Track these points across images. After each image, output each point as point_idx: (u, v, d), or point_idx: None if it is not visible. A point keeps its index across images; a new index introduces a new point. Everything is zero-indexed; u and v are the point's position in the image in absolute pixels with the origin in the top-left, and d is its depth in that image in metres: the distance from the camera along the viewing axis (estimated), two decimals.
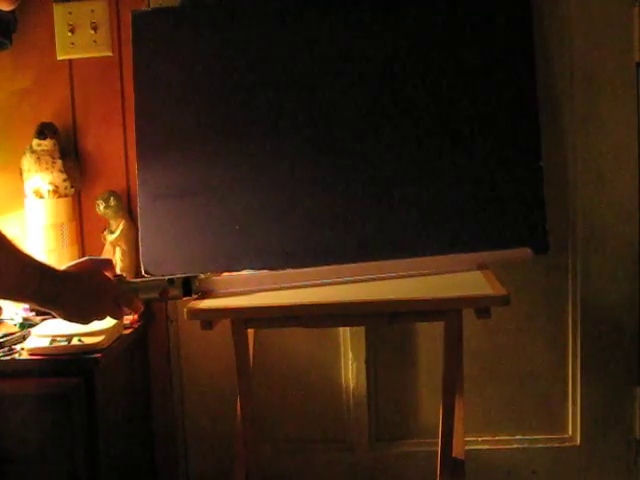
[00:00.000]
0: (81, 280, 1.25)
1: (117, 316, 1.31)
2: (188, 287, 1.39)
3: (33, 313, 1.74)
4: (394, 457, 1.98)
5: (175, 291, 1.38)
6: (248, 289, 1.51)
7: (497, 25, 1.72)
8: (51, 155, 1.84)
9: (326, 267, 1.55)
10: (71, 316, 1.24)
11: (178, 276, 1.37)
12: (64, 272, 1.25)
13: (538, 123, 1.71)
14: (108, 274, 1.31)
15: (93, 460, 1.56)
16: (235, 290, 1.50)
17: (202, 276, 1.46)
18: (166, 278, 1.36)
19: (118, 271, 1.73)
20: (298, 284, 1.52)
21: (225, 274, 1.65)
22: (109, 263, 1.35)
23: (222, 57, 1.77)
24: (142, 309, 1.33)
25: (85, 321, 1.28)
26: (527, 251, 1.62)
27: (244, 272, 1.67)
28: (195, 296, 1.43)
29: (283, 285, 1.52)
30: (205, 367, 1.98)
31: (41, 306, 1.22)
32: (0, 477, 1.54)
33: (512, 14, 1.72)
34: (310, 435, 2.00)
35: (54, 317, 1.25)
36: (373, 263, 1.57)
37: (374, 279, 1.55)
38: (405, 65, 1.73)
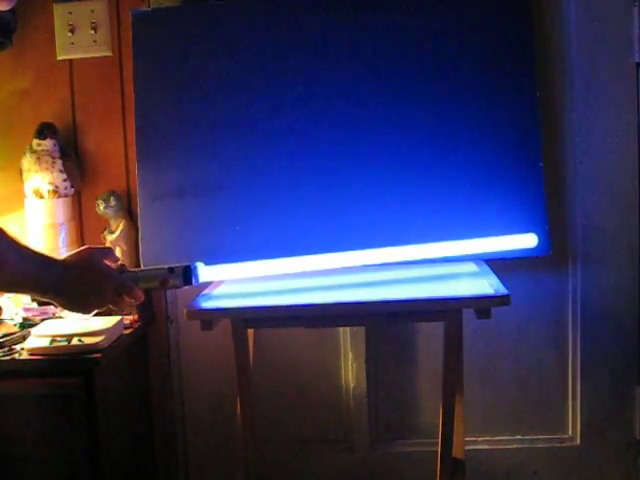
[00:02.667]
0: (81, 269, 1.24)
1: (118, 305, 1.30)
2: (188, 276, 1.38)
3: (35, 303, 1.74)
4: (394, 457, 1.98)
5: (175, 280, 1.37)
6: (269, 283, 1.51)
7: (497, 25, 1.72)
8: (51, 155, 1.84)
9: (326, 255, 1.55)
10: (72, 305, 1.24)
11: (178, 265, 1.37)
12: (64, 261, 1.25)
13: (538, 123, 1.71)
14: (109, 263, 1.31)
15: (93, 460, 1.56)
16: (256, 284, 1.50)
17: (202, 264, 1.45)
18: (166, 267, 1.36)
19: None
20: (297, 271, 1.52)
21: None
22: (110, 252, 1.34)
23: (222, 57, 1.77)
24: (143, 298, 1.32)
25: (86, 310, 1.27)
26: (532, 237, 1.62)
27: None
28: (195, 285, 1.42)
29: (283, 272, 1.52)
30: (205, 367, 1.98)
31: (42, 296, 1.22)
32: (0, 477, 1.54)
33: (512, 14, 1.72)
34: (310, 435, 2.00)
35: (55, 306, 1.25)
36: (374, 250, 1.57)
37: (384, 278, 1.56)
38: (405, 64, 1.73)
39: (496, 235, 1.63)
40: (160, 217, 1.76)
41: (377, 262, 1.56)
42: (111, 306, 1.28)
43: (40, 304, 1.38)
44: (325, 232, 1.70)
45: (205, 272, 1.43)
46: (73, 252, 1.29)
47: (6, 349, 1.59)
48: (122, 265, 1.36)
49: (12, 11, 1.78)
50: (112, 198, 1.86)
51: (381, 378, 1.98)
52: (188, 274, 1.37)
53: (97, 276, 1.25)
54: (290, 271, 1.54)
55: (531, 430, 1.96)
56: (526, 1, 1.73)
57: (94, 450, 1.56)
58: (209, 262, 1.48)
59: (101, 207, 1.86)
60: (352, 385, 1.97)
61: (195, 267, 1.38)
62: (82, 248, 1.31)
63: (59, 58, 1.91)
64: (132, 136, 1.82)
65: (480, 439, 1.96)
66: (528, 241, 1.63)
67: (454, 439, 1.52)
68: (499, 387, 1.95)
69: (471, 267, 1.66)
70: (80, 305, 1.25)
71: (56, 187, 1.85)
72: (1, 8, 1.30)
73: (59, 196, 1.86)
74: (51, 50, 1.91)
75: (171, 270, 1.35)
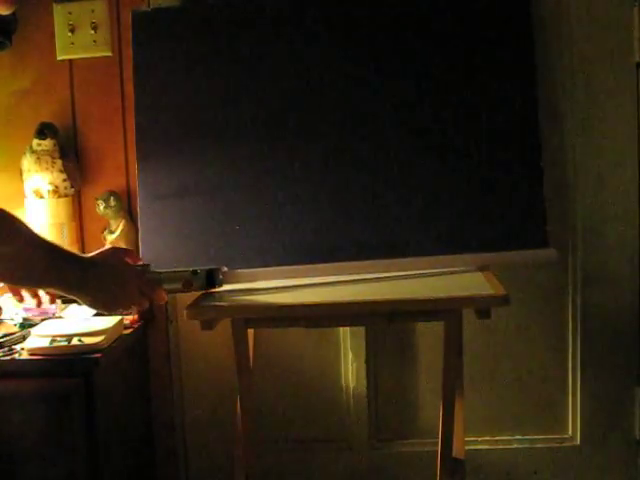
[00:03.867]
0: (107, 267, 1.26)
1: (141, 305, 1.32)
2: (212, 279, 1.40)
3: (60, 300, 1.75)
4: (394, 457, 1.99)
5: (198, 282, 1.39)
6: (269, 282, 1.53)
7: (497, 25, 1.72)
8: (51, 155, 1.84)
9: (343, 263, 1.56)
10: (96, 303, 1.26)
11: (202, 268, 1.38)
12: (90, 259, 1.27)
13: (538, 123, 1.70)
14: (131, 263, 1.34)
15: (93, 460, 1.56)
16: (256, 283, 1.52)
17: (225, 268, 1.46)
18: (190, 269, 1.37)
19: None
20: (320, 280, 1.54)
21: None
22: (132, 252, 1.38)
23: (222, 57, 1.77)
24: (165, 299, 1.34)
25: (110, 308, 1.29)
26: (552, 252, 1.63)
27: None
28: (218, 288, 1.43)
29: (303, 279, 1.54)
30: (205, 367, 1.98)
31: (67, 293, 1.24)
32: (0, 477, 1.54)
33: (512, 14, 1.72)
34: (310, 435, 2.00)
35: (79, 304, 1.27)
36: (384, 261, 1.58)
37: (384, 278, 1.56)
38: (404, 67, 1.73)
39: (495, 236, 1.64)
40: (160, 217, 1.75)
41: (378, 272, 1.58)
42: (134, 306, 1.31)
43: (65, 301, 1.40)
44: (324, 234, 1.70)
45: (228, 276, 1.45)
46: (99, 251, 1.32)
47: (6, 349, 1.59)
48: (146, 266, 1.37)
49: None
50: (112, 198, 1.86)
51: (381, 378, 1.98)
52: (211, 277, 1.39)
53: (122, 274, 1.28)
54: (303, 277, 1.56)
55: (531, 430, 1.96)
56: (526, 1, 1.73)
57: (94, 450, 1.56)
58: (209, 262, 1.48)
59: (101, 207, 1.86)
60: (352, 385, 1.97)
61: (219, 270, 1.39)
62: (106, 247, 1.35)
63: (59, 58, 1.91)
64: (132, 136, 1.82)
65: (480, 439, 1.96)
66: (547, 255, 1.65)
67: (454, 439, 1.52)
68: (499, 387, 1.95)
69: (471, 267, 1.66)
70: (105, 302, 1.27)
71: (56, 187, 1.85)
72: (1, 12, 1.30)
73: (59, 196, 1.86)
74: (51, 50, 1.91)
75: (195, 272, 1.37)
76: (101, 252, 1.31)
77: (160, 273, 1.38)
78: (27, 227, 1.20)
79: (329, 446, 2.00)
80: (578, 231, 1.88)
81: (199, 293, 1.54)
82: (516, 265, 1.75)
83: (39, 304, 1.41)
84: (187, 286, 1.38)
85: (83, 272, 1.23)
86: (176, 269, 1.42)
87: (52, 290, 1.30)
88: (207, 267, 1.40)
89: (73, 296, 1.24)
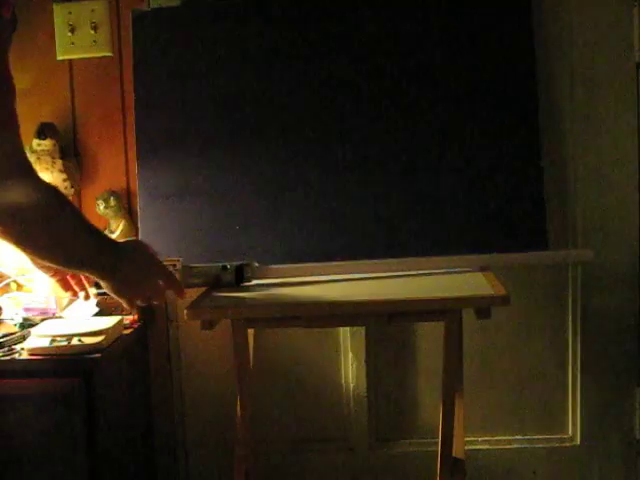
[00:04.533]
0: (136, 255, 1.30)
1: (159, 297, 1.35)
2: (241, 274, 1.40)
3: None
4: (394, 457, 1.98)
5: (227, 278, 1.40)
6: (269, 280, 1.53)
7: (498, 25, 1.72)
8: (51, 155, 1.84)
9: (342, 263, 1.58)
10: (120, 290, 1.28)
11: (232, 263, 1.39)
12: (123, 247, 1.31)
13: (538, 123, 1.71)
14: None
15: (93, 460, 1.56)
16: (285, 279, 1.54)
17: (255, 264, 1.47)
18: (220, 265, 1.38)
19: None
20: (317, 279, 1.55)
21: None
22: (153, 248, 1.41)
23: (222, 57, 1.77)
24: (185, 294, 1.37)
25: (132, 294, 1.31)
26: (589, 252, 1.63)
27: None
28: (247, 283, 1.45)
29: (301, 278, 1.55)
30: (205, 367, 1.98)
31: (98, 277, 1.27)
32: (0, 477, 1.54)
33: (512, 14, 1.72)
34: (310, 435, 2.00)
35: (103, 289, 1.30)
36: (384, 260, 1.59)
37: (384, 278, 1.57)
38: (406, 66, 1.73)
39: (495, 235, 1.64)
40: (160, 217, 1.76)
41: (378, 272, 1.58)
42: (153, 296, 1.33)
43: (99, 294, 1.42)
44: (324, 234, 1.70)
45: (259, 271, 1.45)
46: (126, 240, 1.37)
47: (6, 349, 1.59)
48: (177, 260, 1.40)
49: (12, 11, 1.78)
50: (112, 198, 1.86)
51: (381, 378, 1.98)
52: (241, 273, 1.39)
53: (148, 265, 1.32)
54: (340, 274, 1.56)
55: (531, 430, 1.96)
56: (526, 1, 1.73)
57: (94, 450, 1.56)
58: (209, 262, 1.48)
59: (101, 207, 1.86)
60: (352, 385, 1.97)
61: (248, 266, 1.40)
62: (133, 238, 1.37)
63: (59, 58, 1.91)
64: (132, 136, 1.82)
65: (480, 439, 1.96)
66: (584, 255, 1.67)
67: (454, 439, 1.52)
68: (499, 387, 1.95)
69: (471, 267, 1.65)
70: (128, 291, 1.29)
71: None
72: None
73: None
74: (51, 50, 1.91)
75: (224, 268, 1.38)
76: (130, 241, 1.36)
77: (190, 267, 1.39)
78: (75, 207, 1.26)
79: (329, 446, 2.00)
80: (578, 231, 1.88)
81: (197, 292, 1.55)
82: (521, 265, 1.76)
83: (87, 297, 1.43)
84: (216, 281, 1.40)
85: (117, 259, 1.26)
86: (206, 264, 1.43)
87: (85, 273, 1.34)
88: (237, 263, 1.41)
89: (100, 279, 1.27)
